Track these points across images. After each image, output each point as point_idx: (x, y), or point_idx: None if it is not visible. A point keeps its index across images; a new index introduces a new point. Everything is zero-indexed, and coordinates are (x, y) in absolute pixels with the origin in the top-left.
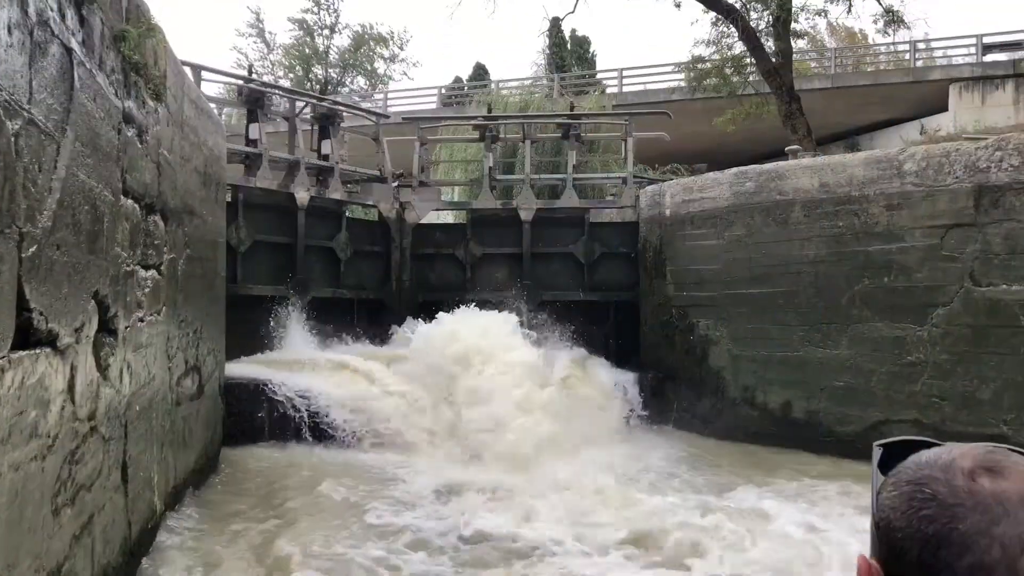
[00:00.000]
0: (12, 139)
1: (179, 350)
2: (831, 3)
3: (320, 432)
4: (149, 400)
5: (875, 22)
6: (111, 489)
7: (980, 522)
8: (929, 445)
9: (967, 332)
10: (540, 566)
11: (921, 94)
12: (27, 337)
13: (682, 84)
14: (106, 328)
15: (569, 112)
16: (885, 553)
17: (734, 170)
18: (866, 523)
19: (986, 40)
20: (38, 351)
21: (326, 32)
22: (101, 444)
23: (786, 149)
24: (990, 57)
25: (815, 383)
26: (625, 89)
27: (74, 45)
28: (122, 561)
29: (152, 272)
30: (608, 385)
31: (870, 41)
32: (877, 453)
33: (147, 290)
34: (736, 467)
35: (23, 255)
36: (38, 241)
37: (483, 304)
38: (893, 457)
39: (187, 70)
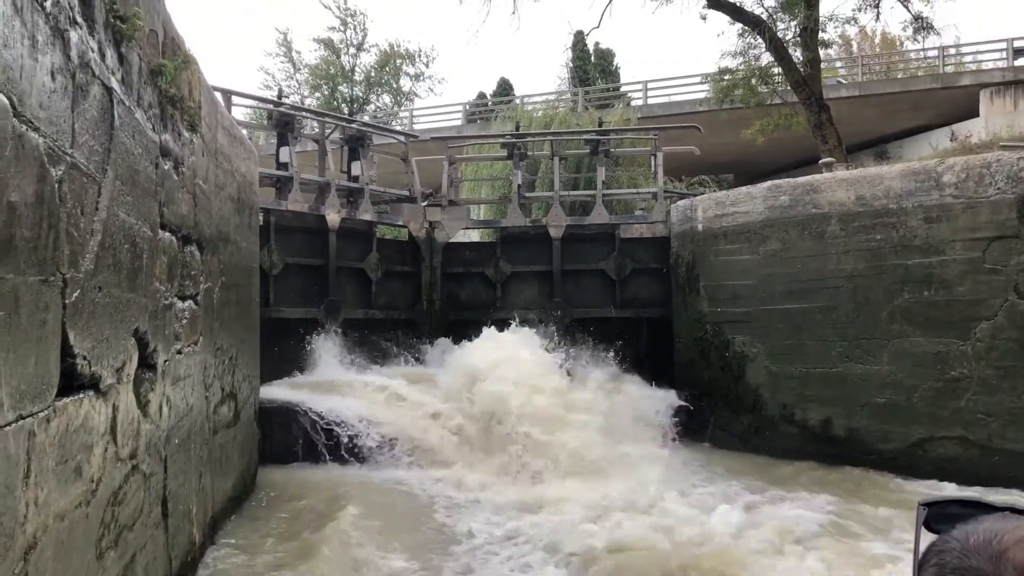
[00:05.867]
0: (56, 186)
1: (215, 378)
2: (860, 11)
3: (356, 453)
4: (187, 431)
5: (904, 29)
6: (152, 526)
7: None
8: (977, 506)
9: (1013, 346)
10: None
11: (951, 100)
12: (70, 382)
13: (708, 95)
14: (145, 363)
15: (598, 127)
16: None
17: (767, 184)
18: None
19: (1017, 44)
20: (81, 395)
21: (352, 51)
22: (142, 482)
23: (820, 162)
24: (1022, 61)
25: (855, 399)
26: (650, 101)
27: (114, 84)
28: None
29: (189, 303)
30: (642, 403)
31: (904, 45)
32: (921, 513)
33: (184, 321)
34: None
35: (67, 301)
36: (81, 285)
37: (512, 323)
38: (939, 518)
39: (218, 96)
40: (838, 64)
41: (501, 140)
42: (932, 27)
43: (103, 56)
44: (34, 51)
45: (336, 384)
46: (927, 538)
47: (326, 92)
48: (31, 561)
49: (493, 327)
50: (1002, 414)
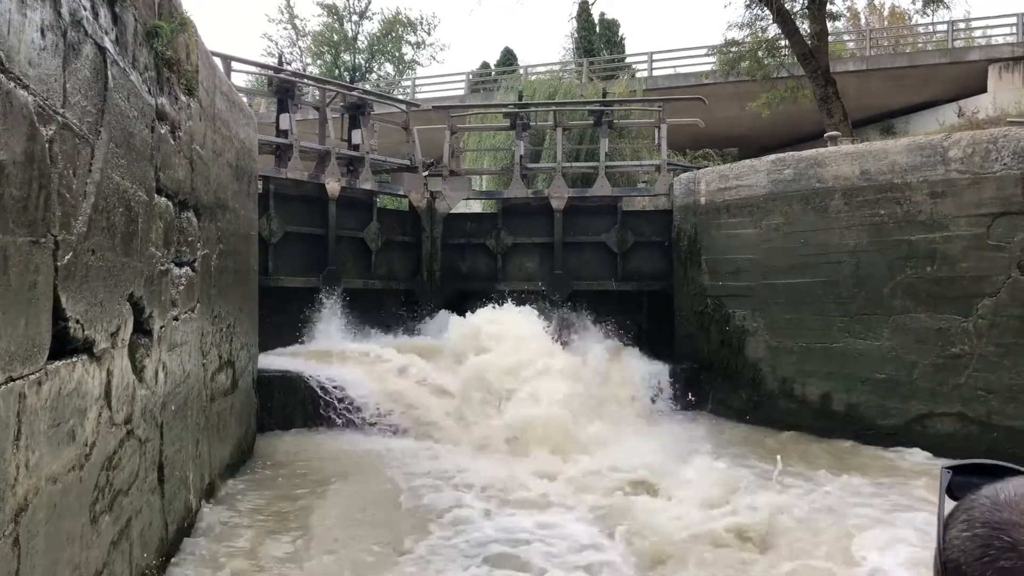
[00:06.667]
0: (46, 145)
1: (213, 346)
2: None
3: (352, 421)
4: (184, 398)
5: (914, 2)
6: (148, 491)
7: None
8: (1002, 470)
9: (1015, 323)
10: None
11: (959, 75)
12: (63, 345)
13: (713, 67)
14: (141, 329)
15: (602, 99)
16: None
17: (771, 157)
18: None
19: None
20: (74, 359)
21: (355, 18)
22: (137, 447)
23: (825, 135)
24: None
25: (856, 375)
26: (655, 73)
27: (107, 44)
28: (159, 562)
29: (186, 269)
30: (641, 376)
31: (912, 21)
32: (945, 476)
33: (181, 288)
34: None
35: (58, 264)
36: (73, 248)
37: (513, 295)
38: (960, 485)
39: (217, 62)
40: (846, 37)
41: (504, 110)
42: (942, 0)
43: (96, 15)
44: (22, 6)
45: (335, 353)
46: (949, 505)
47: (328, 60)
48: (22, 523)
49: (492, 304)
50: (1002, 391)
